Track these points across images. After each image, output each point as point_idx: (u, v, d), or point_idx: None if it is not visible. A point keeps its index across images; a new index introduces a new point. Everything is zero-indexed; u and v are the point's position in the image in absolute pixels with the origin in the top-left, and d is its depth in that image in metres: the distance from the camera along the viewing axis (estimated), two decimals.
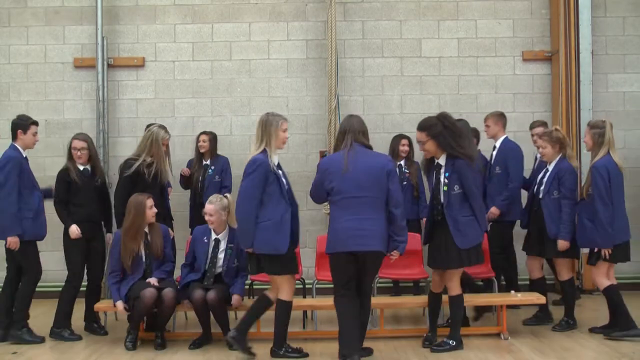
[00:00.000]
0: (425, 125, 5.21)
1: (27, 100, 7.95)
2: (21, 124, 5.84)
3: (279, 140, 4.98)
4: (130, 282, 5.49)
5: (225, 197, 5.68)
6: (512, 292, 5.90)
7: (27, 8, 7.98)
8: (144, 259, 5.58)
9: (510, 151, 6.56)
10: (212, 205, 5.56)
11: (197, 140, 7.24)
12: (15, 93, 7.96)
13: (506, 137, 6.69)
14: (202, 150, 7.18)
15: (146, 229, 5.63)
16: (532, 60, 7.99)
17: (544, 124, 6.94)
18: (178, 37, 8.02)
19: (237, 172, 7.87)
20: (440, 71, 8.01)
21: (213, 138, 7.31)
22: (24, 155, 5.82)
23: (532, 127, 6.98)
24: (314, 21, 8.00)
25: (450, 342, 5.21)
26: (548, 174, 5.86)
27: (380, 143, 7.05)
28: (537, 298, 5.83)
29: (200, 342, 5.46)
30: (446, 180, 5.09)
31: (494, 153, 6.67)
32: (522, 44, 8.00)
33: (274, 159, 4.96)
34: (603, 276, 5.58)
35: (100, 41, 7.78)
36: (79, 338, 5.78)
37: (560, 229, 5.67)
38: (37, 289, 5.81)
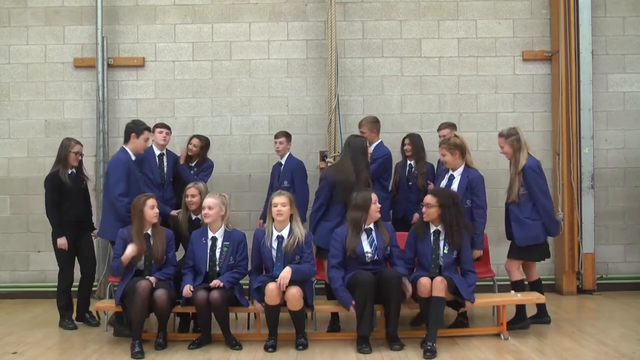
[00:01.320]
0: (438, 193, 5.52)
1: (27, 100, 7.96)
2: (135, 129, 6.01)
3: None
4: (125, 280, 5.49)
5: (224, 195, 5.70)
6: (512, 292, 5.90)
7: (27, 8, 7.97)
8: (142, 259, 5.57)
9: (380, 156, 6.44)
10: (213, 199, 5.58)
11: (189, 142, 7.13)
12: (15, 93, 7.96)
13: (380, 142, 6.64)
14: (190, 154, 7.09)
15: (149, 231, 5.61)
16: (532, 60, 7.98)
17: (450, 125, 6.84)
18: (178, 37, 8.02)
19: (236, 171, 7.93)
20: (440, 71, 8.00)
21: (205, 145, 7.16)
22: (133, 159, 5.97)
23: (438, 129, 6.95)
24: (314, 21, 8.00)
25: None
26: (456, 182, 5.78)
27: None
28: (537, 298, 5.85)
29: (200, 342, 5.46)
30: (447, 247, 5.46)
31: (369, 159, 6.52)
32: (522, 44, 7.99)
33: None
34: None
35: (100, 41, 7.78)
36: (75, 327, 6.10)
37: (475, 240, 5.70)
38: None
